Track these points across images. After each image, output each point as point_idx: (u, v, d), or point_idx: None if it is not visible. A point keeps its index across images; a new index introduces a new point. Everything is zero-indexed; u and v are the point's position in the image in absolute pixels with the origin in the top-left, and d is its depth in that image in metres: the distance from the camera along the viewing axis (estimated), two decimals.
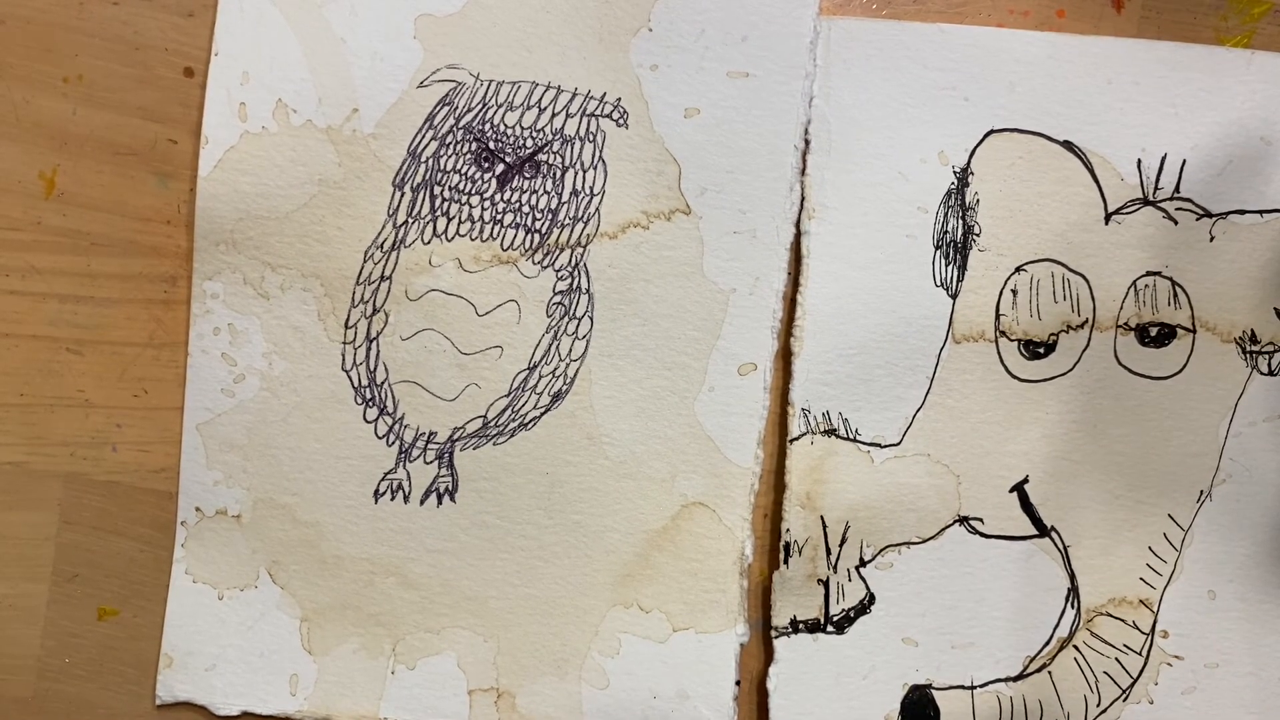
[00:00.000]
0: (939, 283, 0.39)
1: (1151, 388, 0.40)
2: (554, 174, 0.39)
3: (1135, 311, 0.39)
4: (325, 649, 0.40)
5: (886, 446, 0.39)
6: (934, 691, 0.40)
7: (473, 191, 0.39)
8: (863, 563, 0.40)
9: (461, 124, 0.39)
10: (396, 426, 0.40)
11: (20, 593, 0.41)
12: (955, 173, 0.39)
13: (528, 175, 0.39)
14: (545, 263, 0.39)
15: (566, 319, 0.39)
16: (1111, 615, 0.40)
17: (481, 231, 0.39)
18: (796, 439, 0.39)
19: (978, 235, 0.39)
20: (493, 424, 0.40)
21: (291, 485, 0.40)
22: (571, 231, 0.39)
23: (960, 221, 0.39)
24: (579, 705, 0.40)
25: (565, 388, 0.40)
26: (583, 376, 0.40)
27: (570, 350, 0.39)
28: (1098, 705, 0.40)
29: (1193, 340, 0.40)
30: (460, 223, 0.39)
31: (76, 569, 0.41)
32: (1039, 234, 0.39)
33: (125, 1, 0.39)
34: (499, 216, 0.39)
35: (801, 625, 0.40)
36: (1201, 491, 0.40)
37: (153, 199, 0.40)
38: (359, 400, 0.40)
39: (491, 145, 0.39)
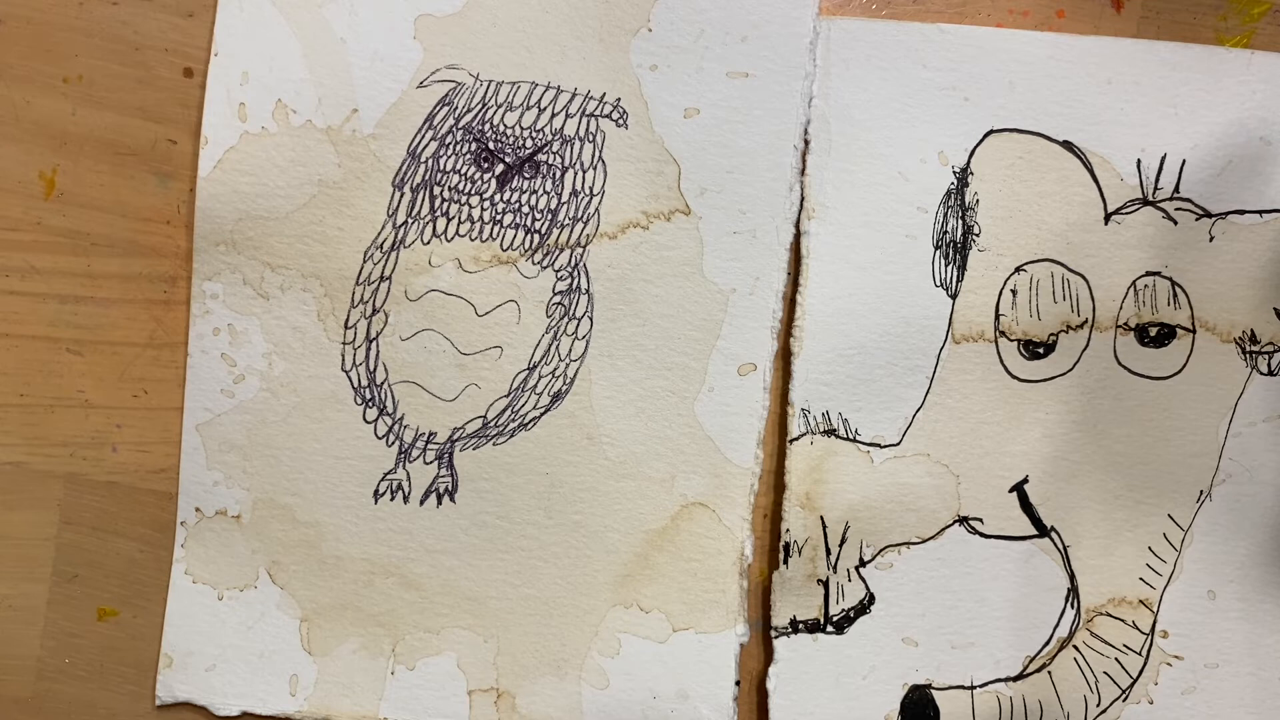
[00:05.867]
0: (939, 283, 0.39)
1: (1151, 388, 0.40)
2: (553, 174, 0.39)
3: (1135, 311, 0.39)
4: (325, 649, 0.40)
5: (886, 446, 0.39)
6: (934, 691, 0.40)
7: (472, 192, 0.39)
8: (862, 563, 0.40)
9: (461, 124, 0.39)
10: (396, 427, 0.40)
11: (20, 593, 0.41)
12: (955, 173, 0.39)
13: (527, 175, 0.39)
14: (545, 263, 0.39)
15: (566, 319, 0.39)
16: (1111, 615, 0.40)
17: (481, 232, 0.39)
18: (796, 439, 0.39)
19: (977, 235, 0.39)
20: (492, 424, 0.40)
21: (291, 485, 0.40)
22: (571, 232, 0.39)
23: (960, 221, 0.39)
24: (579, 705, 0.40)
25: (565, 388, 0.40)
26: (582, 377, 0.40)
27: (570, 350, 0.39)
28: (1098, 705, 0.40)
29: (1192, 340, 0.40)
30: (460, 223, 0.39)
31: (76, 569, 0.41)
32: (1039, 234, 0.39)
33: (125, 1, 0.39)
34: (498, 217, 0.39)
35: (801, 625, 0.40)
36: (1201, 491, 0.40)
37: (153, 199, 0.40)
38: (359, 400, 0.40)
39: (491, 145, 0.39)
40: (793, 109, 0.39)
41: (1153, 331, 0.40)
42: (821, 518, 0.39)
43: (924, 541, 0.40)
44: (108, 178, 0.40)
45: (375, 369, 0.40)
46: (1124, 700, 0.40)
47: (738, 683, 0.40)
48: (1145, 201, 0.39)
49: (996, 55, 0.39)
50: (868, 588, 0.40)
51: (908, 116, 0.39)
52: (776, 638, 0.40)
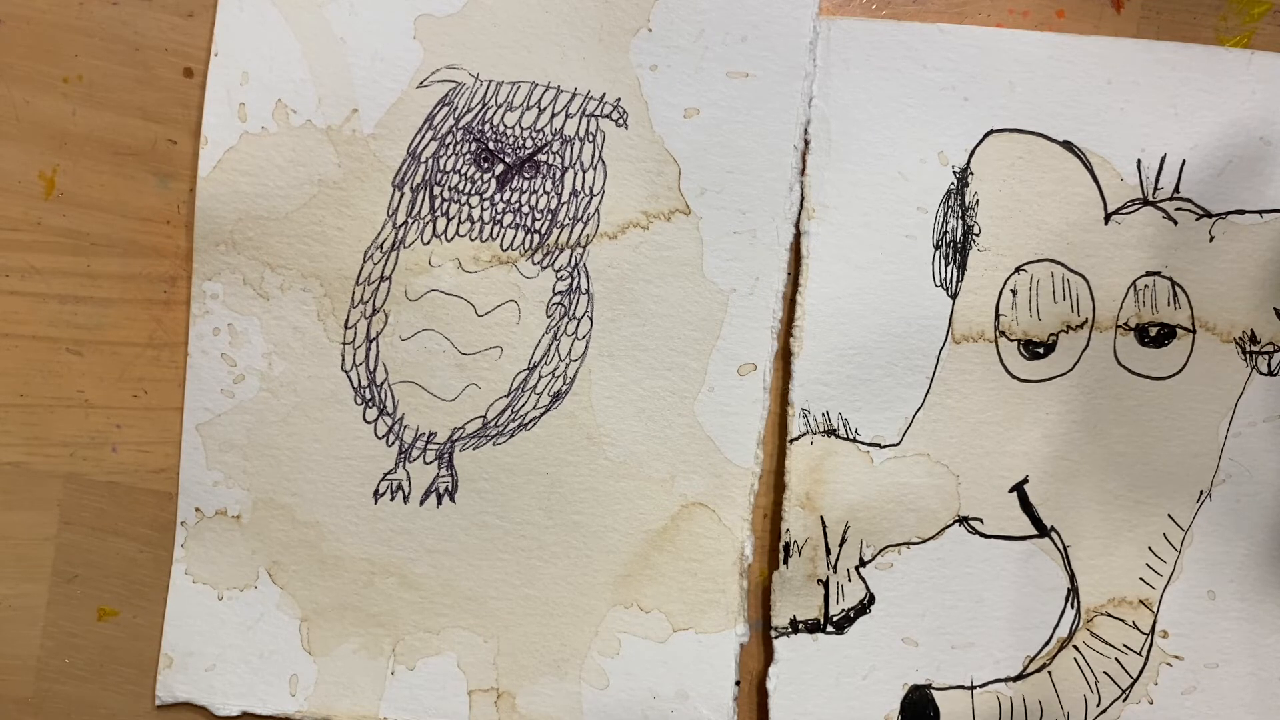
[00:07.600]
0: (939, 283, 0.39)
1: (1151, 388, 0.40)
2: (553, 174, 0.39)
3: (1135, 311, 0.39)
4: (325, 649, 0.40)
5: (886, 446, 0.39)
6: (934, 691, 0.40)
7: (472, 192, 0.39)
8: (862, 563, 0.40)
9: (461, 124, 0.39)
10: (396, 427, 0.40)
11: (20, 593, 0.41)
12: (955, 173, 0.39)
13: (527, 175, 0.39)
14: (545, 263, 0.39)
15: (566, 319, 0.39)
16: (1111, 615, 0.40)
17: (481, 232, 0.39)
18: (796, 439, 0.39)
19: (977, 235, 0.39)
20: (492, 424, 0.40)
21: (291, 485, 0.40)
22: (571, 232, 0.39)
23: (960, 221, 0.39)
24: (579, 705, 0.40)
25: (565, 388, 0.40)
26: (582, 377, 0.40)
27: (570, 350, 0.39)
28: (1098, 705, 0.40)
29: (1192, 340, 0.40)
30: (460, 223, 0.39)
31: (76, 569, 0.41)
32: (1039, 234, 0.39)
33: (125, 1, 0.39)
34: (498, 217, 0.39)
35: (801, 625, 0.40)
36: (1201, 491, 0.40)
37: (153, 199, 0.40)
38: (359, 400, 0.40)
39: (491, 145, 0.39)
40: (793, 109, 0.39)
41: (1153, 331, 0.40)
42: (821, 518, 0.39)
43: (924, 541, 0.40)
44: (108, 178, 0.40)
45: (375, 369, 0.40)
46: (1124, 700, 0.40)
47: (738, 683, 0.40)
48: (1145, 201, 0.39)
49: (996, 55, 0.39)
50: (868, 588, 0.40)
51: (908, 116, 0.39)
52: (776, 638, 0.40)
